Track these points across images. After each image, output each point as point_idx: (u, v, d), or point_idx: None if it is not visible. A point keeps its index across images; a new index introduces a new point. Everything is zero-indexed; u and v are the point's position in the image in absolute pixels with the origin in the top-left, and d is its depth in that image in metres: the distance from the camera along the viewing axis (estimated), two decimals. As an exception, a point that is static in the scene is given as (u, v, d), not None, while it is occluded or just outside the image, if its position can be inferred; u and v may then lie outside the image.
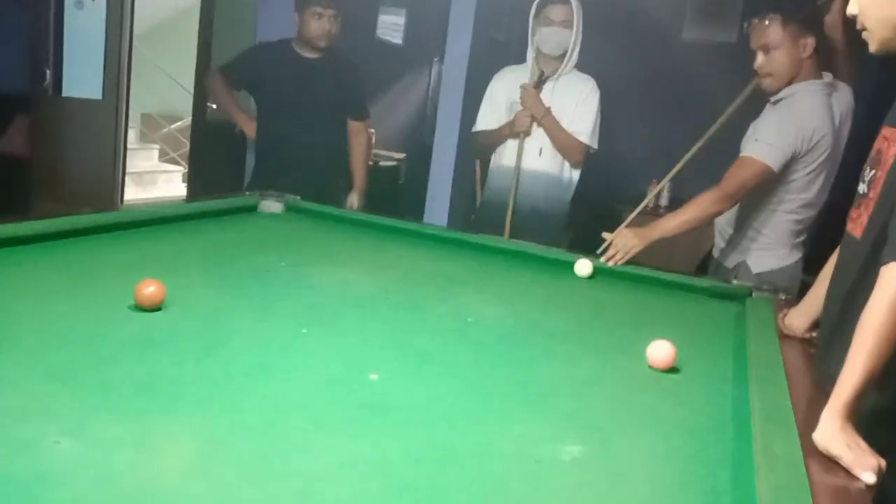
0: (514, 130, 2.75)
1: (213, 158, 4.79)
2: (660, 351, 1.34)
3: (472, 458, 0.95)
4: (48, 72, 5.36)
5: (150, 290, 1.31)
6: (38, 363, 1.06)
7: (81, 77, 5.46)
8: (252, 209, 2.34)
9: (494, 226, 2.72)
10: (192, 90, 5.31)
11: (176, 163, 6.77)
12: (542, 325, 1.58)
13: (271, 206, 2.37)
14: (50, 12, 5.31)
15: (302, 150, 2.92)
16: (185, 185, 6.72)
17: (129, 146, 5.92)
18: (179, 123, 6.76)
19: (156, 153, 6.77)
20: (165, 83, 6.68)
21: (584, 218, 2.91)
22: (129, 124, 5.86)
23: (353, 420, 1.02)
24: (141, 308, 1.30)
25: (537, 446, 1.01)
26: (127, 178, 5.89)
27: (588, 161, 2.79)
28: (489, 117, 2.87)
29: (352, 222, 2.38)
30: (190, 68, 5.17)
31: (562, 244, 2.39)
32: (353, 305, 1.56)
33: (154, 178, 6.52)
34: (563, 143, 2.72)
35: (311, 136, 2.93)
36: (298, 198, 2.43)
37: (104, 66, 5.33)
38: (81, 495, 0.77)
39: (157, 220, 2.00)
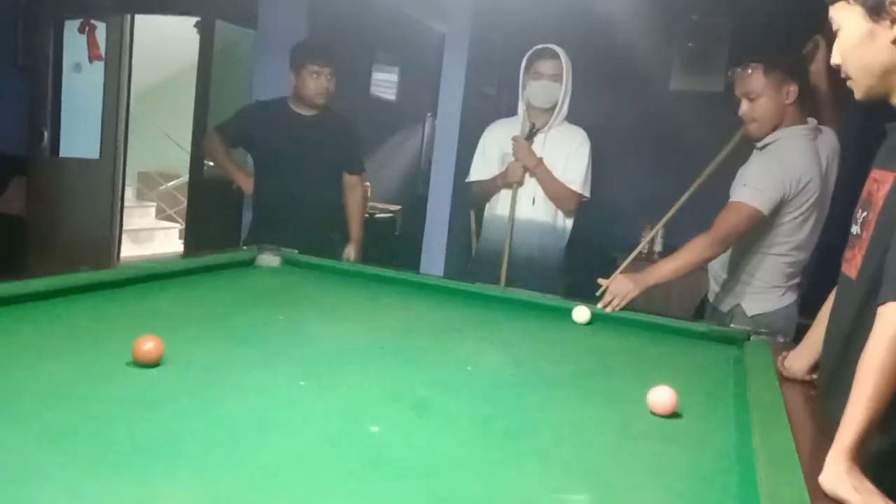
0: (507, 181, 2.79)
1: (209, 215, 4.83)
2: (661, 397, 1.33)
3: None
4: (46, 133, 5.44)
5: (148, 346, 1.30)
6: (35, 423, 1.05)
7: (79, 138, 5.53)
8: (250, 263, 2.35)
9: (490, 275, 2.74)
10: (188, 148, 5.38)
11: (173, 220, 6.81)
12: (542, 372, 1.58)
13: (269, 259, 2.38)
14: (48, 76, 5.42)
15: (299, 204, 2.94)
16: (182, 241, 6.75)
17: (126, 204, 5.97)
18: (176, 182, 6.81)
19: (153, 211, 6.81)
20: (162, 142, 6.77)
21: (579, 265, 2.92)
22: (126, 182, 5.92)
23: (353, 474, 1.01)
24: (139, 364, 1.30)
25: (542, 497, 1.00)
26: (124, 236, 5.92)
27: (581, 209, 2.83)
28: (482, 168, 2.91)
29: (349, 274, 2.39)
30: (186, 127, 5.25)
31: (558, 291, 2.40)
32: (352, 357, 1.55)
33: (151, 236, 6.54)
34: (555, 192, 2.75)
35: (308, 191, 2.96)
36: (296, 251, 2.44)
37: (101, 127, 5.41)
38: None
39: (155, 276, 2.00)
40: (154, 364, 1.31)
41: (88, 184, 5.56)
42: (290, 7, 3.85)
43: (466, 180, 3.00)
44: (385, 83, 5.92)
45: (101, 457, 0.97)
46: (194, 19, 5.08)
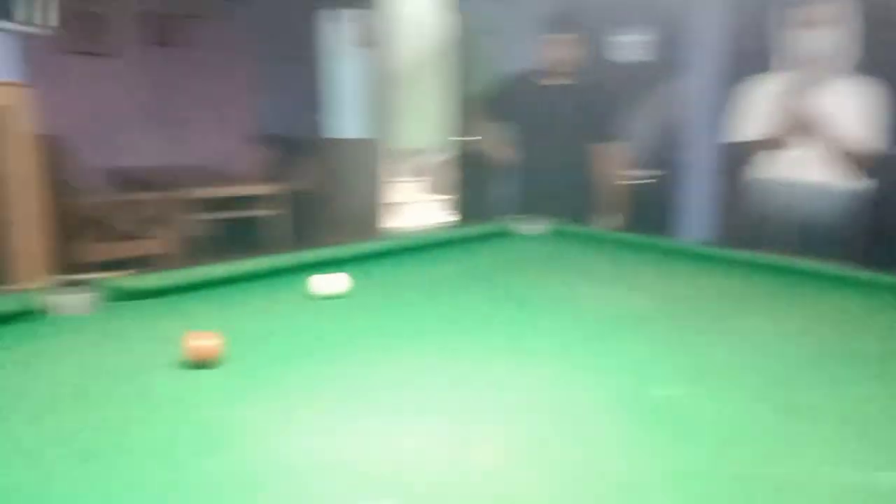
0: (778, 140, 2.58)
1: (470, 188, 5.08)
2: None
3: (797, 490, 0.91)
4: (323, 116, 6.09)
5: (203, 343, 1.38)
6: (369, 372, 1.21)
7: (348, 119, 6.11)
8: (514, 233, 2.44)
9: (760, 243, 2.56)
10: (447, 124, 5.69)
11: (430, 193, 7.27)
12: (849, 347, 1.44)
13: (535, 228, 2.46)
14: (323, 64, 6.04)
15: (557, 175, 2.99)
16: (444, 214, 7.18)
17: (389, 179, 6.51)
18: (439, 156, 7.24)
19: (417, 185, 7.35)
20: (421, 119, 7.21)
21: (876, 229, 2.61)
22: (389, 159, 6.44)
23: (637, 434, 1.03)
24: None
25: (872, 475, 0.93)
26: (386, 209, 6.45)
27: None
28: (747, 128, 2.72)
29: (613, 242, 2.38)
30: (445, 103, 5.54)
31: (856, 261, 2.15)
32: (628, 325, 1.56)
33: (415, 209, 7.06)
34: (839, 150, 2.49)
35: (564, 161, 3.00)
36: (558, 220, 2.49)
37: (369, 108, 5.93)
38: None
39: (431, 244, 2.16)
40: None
41: (359, 161, 6.13)
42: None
43: (729, 142, 2.82)
44: (636, 44, 5.73)
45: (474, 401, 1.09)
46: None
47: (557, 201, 2.87)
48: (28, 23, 2.55)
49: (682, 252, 2.22)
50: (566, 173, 3.03)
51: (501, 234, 2.40)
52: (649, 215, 4.84)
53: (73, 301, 1.43)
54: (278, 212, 5.75)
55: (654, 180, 5.34)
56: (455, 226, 2.51)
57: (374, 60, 5.89)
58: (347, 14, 5.89)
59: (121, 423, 0.99)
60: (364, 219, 6.19)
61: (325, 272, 1.65)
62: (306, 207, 6.01)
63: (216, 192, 5.38)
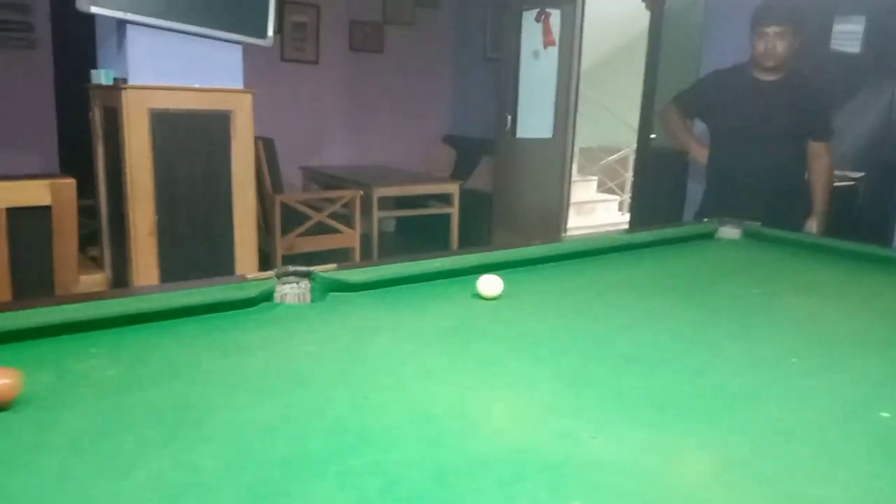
0: None
1: (653, 187, 4.93)
2: None
3: None
4: (509, 117, 6.15)
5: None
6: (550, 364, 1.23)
7: (535, 120, 6.13)
8: (710, 236, 2.35)
9: None
10: (632, 123, 5.56)
11: (612, 192, 7.13)
12: None
13: (730, 232, 2.36)
14: (510, 65, 6.10)
15: (757, 174, 2.84)
16: (622, 213, 7.04)
17: (571, 179, 6.46)
18: (616, 155, 7.11)
19: (594, 184, 7.22)
20: (605, 118, 7.10)
21: None
22: (574, 158, 6.39)
23: (865, 456, 0.96)
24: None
25: None
26: (570, 209, 6.40)
27: None
28: None
29: (815, 248, 2.23)
30: (629, 101, 5.43)
31: None
32: (844, 339, 1.46)
33: (592, 208, 6.95)
34: None
35: (768, 160, 2.83)
36: (758, 224, 2.37)
37: (555, 108, 5.91)
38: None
39: (620, 247, 2.14)
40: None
41: (542, 161, 6.13)
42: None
43: None
44: (848, 34, 5.27)
45: (621, 404, 1.10)
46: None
47: (757, 202, 2.73)
48: (253, 34, 2.83)
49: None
50: (771, 172, 2.86)
51: (695, 237, 2.32)
52: (851, 220, 4.46)
53: (295, 291, 1.58)
54: (457, 210, 5.91)
55: (855, 182, 4.90)
56: (642, 229, 2.45)
57: (563, 60, 5.88)
58: (541, 15, 5.92)
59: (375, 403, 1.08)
60: (548, 219, 6.20)
61: (502, 273, 1.68)
62: (486, 207, 6.14)
63: (400, 191, 5.65)
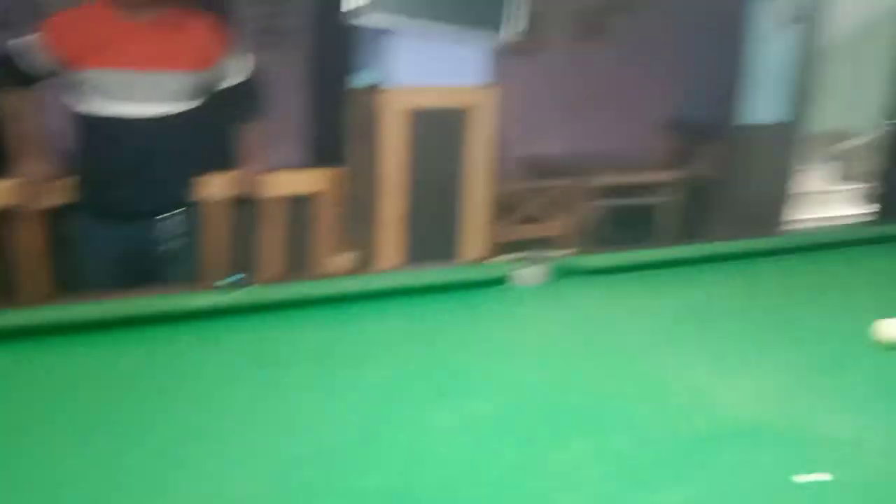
0: None
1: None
2: None
3: None
4: (735, 102, 5.88)
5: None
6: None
7: (766, 102, 5.80)
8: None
9: None
10: (880, 103, 5.09)
11: (850, 181, 6.57)
12: None
13: None
14: (741, 47, 5.81)
15: None
16: (860, 205, 6.45)
17: (802, 167, 6.04)
18: (856, 140, 6.53)
19: (827, 173, 6.69)
20: (844, 99, 6.53)
21: None
22: (805, 144, 5.97)
23: None
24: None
25: None
26: (798, 199, 6.01)
27: None
28: None
29: None
30: (880, 80, 4.97)
31: None
32: None
33: (826, 199, 6.45)
34: None
35: None
36: None
37: (788, 90, 5.56)
38: None
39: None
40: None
41: (770, 147, 5.80)
42: None
43: None
44: None
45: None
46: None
47: None
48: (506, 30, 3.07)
49: None
50: None
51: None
52: None
53: (532, 273, 1.72)
54: (675, 199, 5.79)
55: None
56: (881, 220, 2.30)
57: (801, 38, 5.52)
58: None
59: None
60: (769, 209, 5.88)
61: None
62: (704, 196, 5.93)
63: (615, 180, 5.64)
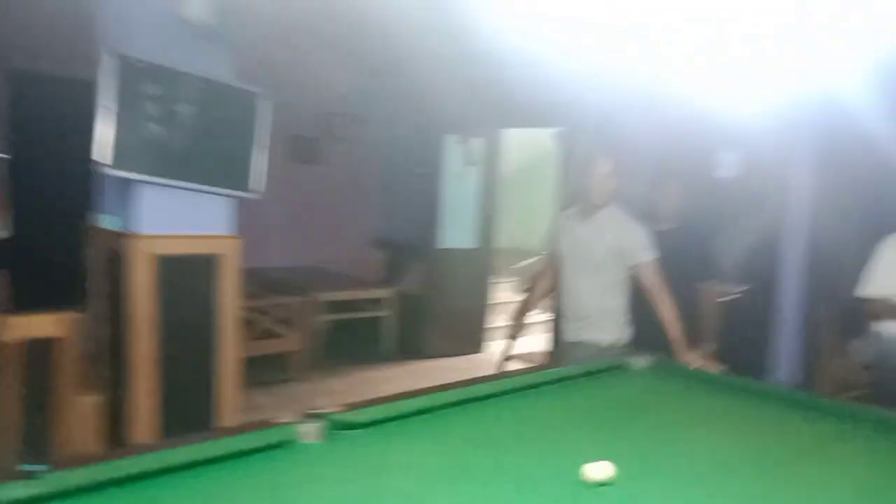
0: None
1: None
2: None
3: None
4: (435, 228, 6.71)
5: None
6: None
7: (457, 231, 6.72)
8: (622, 367, 2.86)
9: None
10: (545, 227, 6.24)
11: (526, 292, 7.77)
12: None
13: (641, 362, 2.88)
14: (434, 180, 6.70)
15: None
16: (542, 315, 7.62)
17: (495, 281, 7.08)
18: (533, 259, 7.77)
19: (513, 285, 7.86)
20: (523, 222, 7.81)
21: None
22: (495, 264, 7.03)
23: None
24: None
25: None
26: (492, 310, 6.96)
27: None
28: (881, 285, 3.02)
29: (717, 384, 2.70)
30: (544, 209, 6.10)
31: None
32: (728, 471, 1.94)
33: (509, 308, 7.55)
34: None
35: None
36: (661, 356, 2.90)
37: (474, 220, 6.56)
38: None
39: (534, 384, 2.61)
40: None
41: (467, 267, 6.71)
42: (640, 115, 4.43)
43: (859, 294, 3.10)
44: (727, 163, 6.13)
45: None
46: (554, 130, 5.94)
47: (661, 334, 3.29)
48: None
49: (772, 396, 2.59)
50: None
51: (616, 368, 2.82)
52: (742, 333, 5.15)
53: (309, 430, 1.96)
54: (393, 313, 6.35)
55: (740, 295, 5.65)
56: (566, 364, 2.92)
57: (480, 176, 6.57)
58: (456, 138, 6.59)
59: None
60: (471, 319, 6.71)
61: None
62: (414, 309, 6.59)
63: (340, 296, 6.05)
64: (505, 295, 7.63)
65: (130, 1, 3.07)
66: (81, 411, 2.96)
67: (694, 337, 3.45)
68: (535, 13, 3.43)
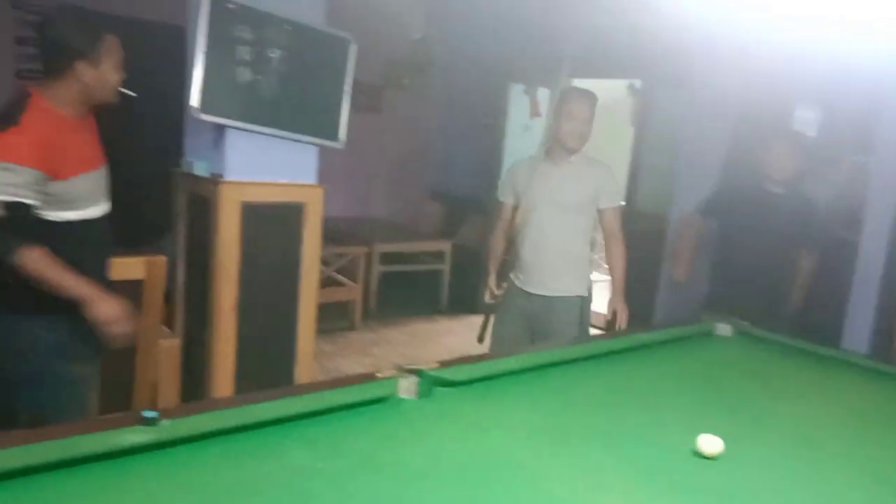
0: None
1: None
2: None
3: None
4: (495, 183, 6.63)
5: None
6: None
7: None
8: (708, 334, 2.81)
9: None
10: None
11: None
12: None
13: (725, 330, 2.82)
14: (501, 132, 6.60)
15: (760, 273, 3.40)
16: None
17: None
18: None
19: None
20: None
21: None
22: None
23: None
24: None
25: None
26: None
27: None
28: None
29: (802, 352, 2.66)
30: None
31: None
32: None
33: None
34: None
35: (770, 262, 3.41)
36: (749, 324, 2.84)
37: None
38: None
39: (617, 350, 2.54)
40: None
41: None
42: (723, 69, 4.26)
43: None
44: (806, 120, 5.91)
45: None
46: (628, 81, 5.77)
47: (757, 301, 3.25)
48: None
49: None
50: (770, 275, 3.43)
51: (703, 335, 2.78)
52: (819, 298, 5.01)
53: (409, 385, 1.96)
54: (446, 267, 6.35)
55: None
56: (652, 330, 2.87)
57: (545, 129, 6.43)
58: (523, 88, 6.45)
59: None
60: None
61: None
62: (471, 263, 6.58)
63: (397, 248, 6.07)
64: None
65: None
66: (162, 355, 3.02)
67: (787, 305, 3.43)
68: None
